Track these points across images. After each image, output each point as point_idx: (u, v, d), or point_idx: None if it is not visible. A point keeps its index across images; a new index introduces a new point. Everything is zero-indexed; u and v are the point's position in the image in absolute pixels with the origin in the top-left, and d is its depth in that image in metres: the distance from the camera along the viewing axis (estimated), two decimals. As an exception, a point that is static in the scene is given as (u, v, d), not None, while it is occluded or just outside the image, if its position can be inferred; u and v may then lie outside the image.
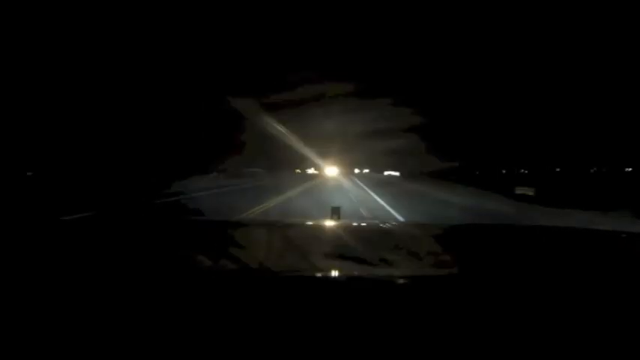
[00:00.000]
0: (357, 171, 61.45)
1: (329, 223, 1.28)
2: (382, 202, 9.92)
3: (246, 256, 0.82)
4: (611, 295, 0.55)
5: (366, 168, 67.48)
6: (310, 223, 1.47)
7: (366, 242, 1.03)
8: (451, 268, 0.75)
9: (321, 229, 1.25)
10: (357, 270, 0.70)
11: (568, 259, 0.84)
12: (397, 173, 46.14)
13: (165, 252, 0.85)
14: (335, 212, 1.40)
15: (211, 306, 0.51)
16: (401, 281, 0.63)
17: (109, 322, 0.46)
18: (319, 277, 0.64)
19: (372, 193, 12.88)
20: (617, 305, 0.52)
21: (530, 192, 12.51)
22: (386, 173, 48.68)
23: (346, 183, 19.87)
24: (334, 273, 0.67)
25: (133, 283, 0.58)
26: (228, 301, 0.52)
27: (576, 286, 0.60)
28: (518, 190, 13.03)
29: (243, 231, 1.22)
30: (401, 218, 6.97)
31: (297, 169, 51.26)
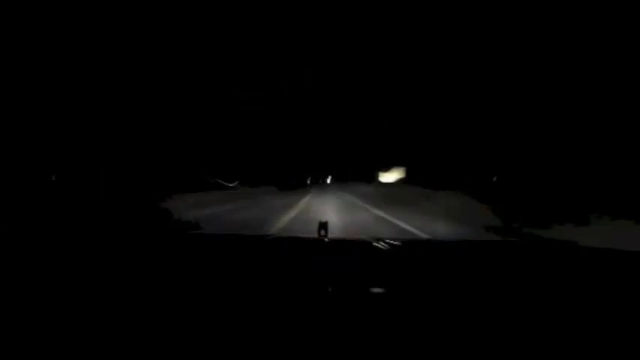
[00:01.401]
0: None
1: (316, 239, 1.32)
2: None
3: (232, 270, 0.85)
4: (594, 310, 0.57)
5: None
6: (297, 237, 1.50)
7: (352, 258, 1.06)
8: (437, 285, 0.75)
9: (307, 244, 1.27)
10: (340, 286, 0.72)
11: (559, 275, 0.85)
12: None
13: (155, 265, 0.89)
14: (322, 227, 1.41)
15: (201, 316, 0.54)
16: (385, 298, 0.65)
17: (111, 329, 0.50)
18: (303, 292, 0.67)
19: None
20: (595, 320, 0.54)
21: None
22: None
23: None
24: (318, 289, 0.69)
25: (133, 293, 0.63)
26: (215, 313, 0.55)
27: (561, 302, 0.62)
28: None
29: (228, 245, 1.24)
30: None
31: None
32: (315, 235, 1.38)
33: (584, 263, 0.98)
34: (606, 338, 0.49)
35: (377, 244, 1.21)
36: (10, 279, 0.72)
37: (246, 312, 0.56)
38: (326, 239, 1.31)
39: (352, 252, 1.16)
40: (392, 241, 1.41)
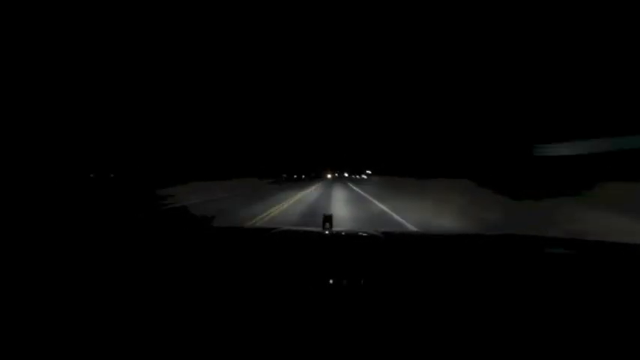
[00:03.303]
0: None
1: (320, 232, 1.30)
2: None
3: (236, 263, 0.84)
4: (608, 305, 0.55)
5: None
6: (302, 230, 1.48)
7: (357, 251, 1.04)
8: (441, 279, 0.74)
9: (312, 237, 1.26)
10: (345, 279, 0.71)
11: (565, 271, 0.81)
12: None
13: (157, 259, 0.89)
14: (327, 220, 1.40)
15: (204, 310, 0.54)
16: (389, 291, 0.63)
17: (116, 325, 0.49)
18: (308, 286, 0.66)
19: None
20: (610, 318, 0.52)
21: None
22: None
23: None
24: (323, 281, 0.69)
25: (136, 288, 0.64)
26: (218, 307, 0.55)
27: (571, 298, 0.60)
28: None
29: (232, 238, 1.24)
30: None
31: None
32: (320, 228, 1.37)
33: (584, 259, 0.95)
34: (606, 336, 0.47)
35: (382, 237, 1.20)
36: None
37: (249, 306, 0.55)
38: (331, 232, 1.31)
39: (357, 245, 1.14)
40: (397, 234, 1.45)
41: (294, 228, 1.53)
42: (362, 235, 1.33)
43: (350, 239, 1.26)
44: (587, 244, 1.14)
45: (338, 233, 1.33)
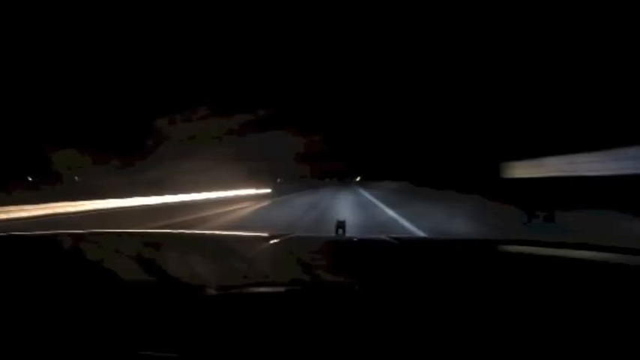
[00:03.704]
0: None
1: (334, 238, 1.32)
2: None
3: (249, 269, 0.84)
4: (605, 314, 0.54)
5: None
6: (315, 236, 1.52)
7: (372, 257, 1.04)
8: (458, 284, 0.73)
9: (325, 243, 1.28)
10: (359, 285, 0.71)
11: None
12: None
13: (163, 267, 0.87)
14: (340, 226, 1.40)
15: (207, 317, 0.51)
16: (406, 297, 0.63)
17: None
18: (322, 292, 0.66)
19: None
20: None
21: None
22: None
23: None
24: (337, 288, 0.69)
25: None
26: (227, 314, 0.53)
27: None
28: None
29: (244, 243, 1.26)
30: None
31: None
32: (333, 234, 1.40)
33: (590, 265, 0.94)
34: (607, 339, 0.46)
35: (395, 243, 1.22)
36: None
37: (261, 314, 0.53)
38: (344, 238, 1.33)
39: (370, 251, 1.16)
40: (409, 240, 1.45)
41: (307, 234, 1.53)
42: (375, 241, 1.35)
43: (363, 245, 1.27)
44: (591, 248, 1.12)
45: (351, 239, 1.37)
